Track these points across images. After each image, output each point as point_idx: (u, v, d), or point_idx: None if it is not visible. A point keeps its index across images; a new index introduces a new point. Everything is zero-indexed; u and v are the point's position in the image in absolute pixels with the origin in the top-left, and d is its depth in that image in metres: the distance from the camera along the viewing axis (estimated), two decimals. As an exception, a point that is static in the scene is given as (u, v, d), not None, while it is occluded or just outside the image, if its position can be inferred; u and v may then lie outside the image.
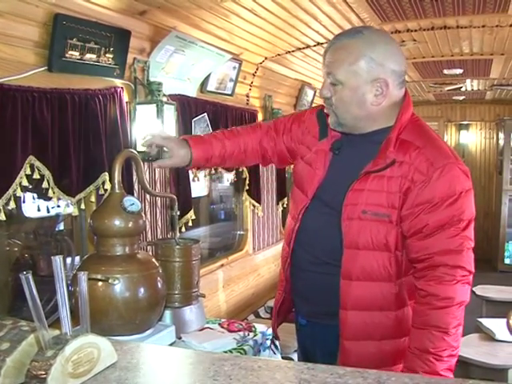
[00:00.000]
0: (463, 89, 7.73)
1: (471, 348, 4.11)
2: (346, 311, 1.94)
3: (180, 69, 3.63)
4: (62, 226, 4.04)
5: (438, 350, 1.79)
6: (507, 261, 8.96)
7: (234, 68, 4.35)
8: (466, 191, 1.84)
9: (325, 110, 2.01)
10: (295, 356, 4.09)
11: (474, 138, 9.83)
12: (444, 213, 1.81)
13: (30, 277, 1.26)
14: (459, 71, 6.11)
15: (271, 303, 5.18)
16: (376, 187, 1.87)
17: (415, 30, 4.23)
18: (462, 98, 8.97)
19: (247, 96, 5.01)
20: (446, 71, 6.12)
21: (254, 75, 4.91)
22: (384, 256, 1.89)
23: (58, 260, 1.32)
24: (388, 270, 1.90)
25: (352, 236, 1.90)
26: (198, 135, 2.37)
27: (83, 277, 1.37)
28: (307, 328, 2.19)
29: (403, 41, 4.57)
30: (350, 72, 1.85)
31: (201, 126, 3.95)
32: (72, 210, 2.84)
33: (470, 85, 7.40)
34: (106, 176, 2.91)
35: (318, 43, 4.50)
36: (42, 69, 2.61)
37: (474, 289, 5.59)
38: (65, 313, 1.35)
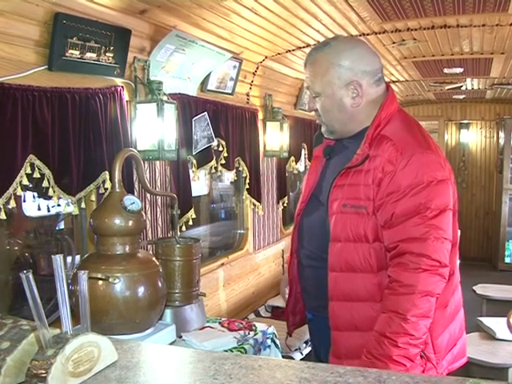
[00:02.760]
0: (463, 88, 7.72)
1: (471, 347, 4.11)
2: (334, 302, 2.01)
3: (180, 68, 3.63)
4: (62, 225, 4.04)
5: (394, 335, 1.81)
6: (507, 260, 8.97)
7: (235, 67, 4.34)
8: (437, 181, 1.88)
9: (317, 121, 2.16)
10: (295, 355, 4.10)
11: (474, 137, 9.83)
12: (410, 201, 1.86)
13: (31, 276, 1.26)
14: (459, 70, 6.11)
15: (272, 302, 5.20)
16: (354, 181, 1.96)
17: (415, 29, 4.23)
18: (462, 97, 8.97)
19: (247, 95, 5.01)
20: (446, 70, 6.12)
21: (254, 74, 4.91)
22: (364, 247, 1.95)
23: (58, 259, 1.32)
24: (368, 261, 1.95)
25: (335, 229, 1.99)
26: None
27: (83, 276, 1.36)
28: (313, 322, 2.29)
29: (403, 40, 4.57)
30: (324, 82, 2.02)
31: (201, 125, 3.95)
32: (72, 209, 2.83)
33: (471, 84, 7.40)
34: (106, 175, 2.91)
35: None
36: (43, 68, 2.61)
37: (474, 288, 5.59)
38: (65, 312, 1.35)
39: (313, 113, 2.16)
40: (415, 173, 1.87)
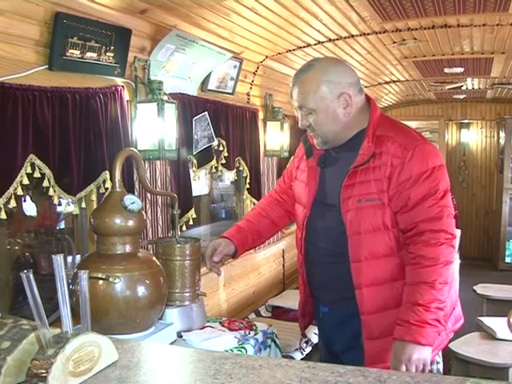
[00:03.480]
0: (464, 87, 7.73)
1: (472, 347, 4.11)
2: (362, 290, 2.22)
3: (181, 67, 3.63)
4: (62, 225, 4.04)
5: (426, 302, 2.07)
6: (508, 259, 8.97)
7: (235, 67, 4.34)
8: (438, 166, 2.17)
9: (311, 135, 2.39)
10: (296, 355, 4.09)
11: (474, 137, 9.83)
12: (422, 186, 2.14)
13: (31, 275, 1.26)
14: (460, 70, 6.11)
15: (272, 302, 5.19)
16: (364, 178, 2.20)
17: (416, 29, 4.23)
18: (462, 96, 8.97)
19: (248, 95, 5.01)
20: (446, 70, 6.12)
21: (254, 74, 4.91)
22: (384, 234, 2.20)
23: (58, 259, 1.32)
24: (389, 245, 2.20)
25: (353, 224, 2.21)
26: (238, 229, 2.68)
27: (84, 275, 1.37)
28: (329, 315, 2.44)
29: (404, 40, 4.57)
30: (316, 99, 2.23)
31: (201, 124, 3.95)
32: (73, 208, 2.84)
33: (471, 83, 7.40)
34: (106, 174, 2.91)
35: (319, 42, 4.50)
36: (43, 67, 2.61)
37: (474, 287, 5.59)
38: (65, 311, 1.35)
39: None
40: (421, 162, 2.15)
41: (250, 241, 2.66)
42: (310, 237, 2.38)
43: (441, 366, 3.59)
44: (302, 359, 3.99)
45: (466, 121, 9.79)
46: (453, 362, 4.11)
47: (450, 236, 2.14)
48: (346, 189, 2.22)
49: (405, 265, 2.18)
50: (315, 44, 4.54)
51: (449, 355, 4.06)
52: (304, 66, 2.33)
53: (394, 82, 7.06)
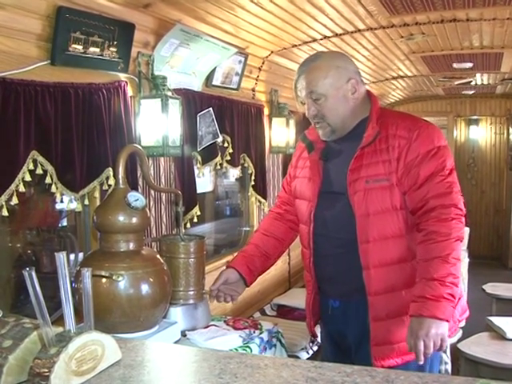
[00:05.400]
0: (473, 83, 7.70)
1: (481, 347, 4.10)
2: (369, 270, 2.25)
3: (185, 63, 3.63)
4: (65, 222, 4.05)
5: (441, 276, 2.09)
6: (518, 258, 8.93)
7: (240, 62, 4.34)
8: (443, 146, 2.26)
9: (316, 127, 2.42)
10: (302, 354, 4.09)
11: (483, 133, 9.80)
12: (430, 163, 2.21)
13: (34, 273, 1.26)
14: (469, 65, 6.09)
15: (277, 300, 5.19)
16: (371, 160, 2.26)
17: (424, 23, 4.21)
18: (471, 92, 8.93)
19: (253, 90, 5.00)
20: (455, 65, 6.10)
21: (259, 69, 4.91)
22: (393, 215, 2.24)
23: (61, 256, 1.32)
24: (398, 226, 2.25)
25: (361, 206, 2.25)
26: (244, 256, 2.66)
27: (87, 273, 1.37)
28: (340, 309, 2.44)
29: (412, 34, 4.55)
30: (326, 83, 2.30)
31: (206, 120, 3.95)
32: (75, 205, 2.84)
33: (480, 79, 7.38)
34: (109, 171, 2.91)
35: (325, 37, 4.49)
36: (45, 62, 2.61)
37: (483, 287, 5.57)
38: (68, 310, 1.35)
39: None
40: (427, 140, 2.23)
41: (259, 264, 2.64)
42: (319, 229, 2.40)
43: (449, 367, 3.58)
44: (308, 359, 3.99)
45: (475, 117, 9.76)
46: (461, 362, 4.10)
47: (460, 211, 2.18)
48: (352, 172, 2.27)
49: (414, 246, 2.22)
50: (321, 39, 4.53)
51: (457, 355, 4.05)
52: (310, 57, 2.42)
53: (401, 77, 7.04)
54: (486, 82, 7.71)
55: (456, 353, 4.03)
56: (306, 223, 2.45)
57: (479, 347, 4.09)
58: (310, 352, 4.21)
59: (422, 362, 2.07)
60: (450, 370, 3.66)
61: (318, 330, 2.67)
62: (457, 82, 7.53)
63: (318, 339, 2.79)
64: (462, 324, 2.68)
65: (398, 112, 2.60)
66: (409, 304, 2.16)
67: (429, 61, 5.88)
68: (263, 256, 2.65)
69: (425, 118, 2.46)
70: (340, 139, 2.40)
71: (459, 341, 4.16)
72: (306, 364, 1.41)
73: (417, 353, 2.07)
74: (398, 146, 2.23)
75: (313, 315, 2.57)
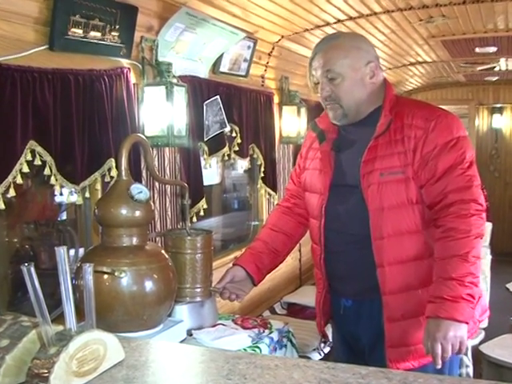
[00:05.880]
0: (497, 68, 7.65)
1: (505, 350, 4.07)
2: (383, 268, 2.24)
3: (191, 48, 3.63)
4: (64, 216, 4.06)
5: (460, 276, 2.07)
6: (541, 255, 8.88)
7: (249, 47, 4.33)
8: (462, 137, 2.23)
9: (327, 107, 2.38)
10: (313, 355, 4.10)
11: (508, 122, 9.75)
12: (448, 155, 2.18)
13: (33, 269, 1.27)
14: (493, 49, 6.05)
15: (288, 298, 5.19)
16: (386, 152, 2.24)
17: (445, 5, 4.19)
18: (495, 78, 8.88)
19: (262, 77, 5.00)
20: (478, 49, 6.06)
21: (269, 55, 4.90)
22: (408, 210, 2.23)
23: (61, 251, 1.32)
24: (414, 221, 2.23)
25: (375, 200, 2.23)
26: (251, 254, 2.67)
27: (89, 269, 1.37)
28: (353, 308, 2.43)
29: (431, 17, 4.53)
30: (345, 63, 2.28)
31: (213, 109, 3.95)
32: (76, 198, 2.84)
33: (505, 64, 7.32)
34: (112, 162, 2.92)
35: (339, 20, 4.47)
36: (43, 47, 2.61)
37: (507, 285, 5.56)
38: (69, 307, 1.35)
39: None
40: (445, 131, 2.20)
41: (268, 262, 2.64)
42: (331, 224, 2.38)
43: (470, 370, 3.57)
44: (320, 360, 3.99)
45: (498, 105, 9.70)
46: (484, 365, 4.08)
47: (480, 207, 2.16)
48: (366, 164, 2.26)
49: (432, 242, 2.21)
50: (335, 23, 4.51)
51: (479, 358, 4.04)
52: (329, 35, 2.45)
53: (419, 63, 7.00)
54: (510, 68, 7.65)
55: (478, 355, 4.01)
56: (317, 217, 2.44)
57: (503, 350, 4.07)
58: (323, 353, 4.21)
59: (439, 366, 2.06)
60: (471, 374, 3.65)
61: (329, 330, 2.67)
62: (479, 68, 7.49)
63: (329, 339, 2.79)
64: (484, 325, 2.68)
65: (414, 100, 2.59)
66: (425, 304, 2.15)
67: (449, 45, 5.84)
68: (272, 253, 2.64)
69: (444, 107, 2.45)
70: (353, 128, 2.39)
71: (481, 343, 4.15)
72: (318, 365, 1.41)
73: (434, 356, 2.06)
74: (415, 136, 2.21)
75: (323, 315, 2.56)
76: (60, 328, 1.37)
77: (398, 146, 2.23)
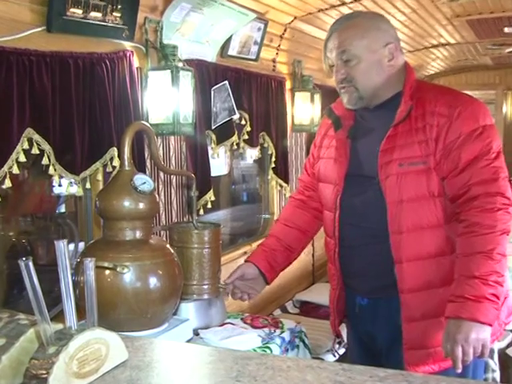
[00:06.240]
0: (527, 50, 7.60)
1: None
2: (402, 264, 2.23)
3: (198, 30, 3.62)
4: (63, 208, 4.07)
5: (484, 274, 2.05)
6: None
7: (259, 29, 4.32)
8: (489, 125, 2.20)
9: (342, 92, 2.38)
10: (327, 357, 4.10)
11: (538, 109, 9.68)
12: (473, 145, 2.16)
13: (31, 263, 1.26)
14: (523, 29, 6.01)
15: (300, 296, 5.20)
16: (406, 141, 2.22)
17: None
18: (525, 61, 8.82)
19: (274, 61, 4.98)
20: (507, 29, 6.01)
21: (281, 37, 4.88)
22: (429, 203, 2.21)
23: (61, 245, 1.32)
24: (435, 215, 2.21)
25: (393, 192, 2.22)
26: (264, 251, 2.68)
27: (90, 263, 1.37)
28: (368, 307, 2.42)
29: (455, -5, 4.50)
30: (363, 44, 2.27)
31: (221, 95, 3.94)
32: (76, 189, 2.85)
33: (537, 45, 7.27)
34: (114, 151, 2.92)
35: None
36: (40, 29, 2.60)
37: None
38: (69, 304, 1.36)
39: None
40: (471, 119, 2.18)
41: (281, 259, 2.66)
42: (346, 216, 2.37)
43: (497, 375, 3.55)
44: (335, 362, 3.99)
45: (528, 90, 9.64)
46: (512, 370, 4.06)
47: (507, 201, 2.13)
48: (384, 153, 2.24)
49: (454, 237, 2.19)
50: (351, 2, 4.49)
51: (507, 363, 4.02)
52: (347, 14, 2.45)
53: (442, 45, 6.96)
54: (541, 50, 7.60)
55: (505, 359, 3.99)
56: (331, 210, 2.43)
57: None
58: (337, 355, 4.21)
59: (459, 371, 2.03)
60: (498, 379, 3.63)
61: (343, 330, 2.67)
62: (508, 50, 7.43)
63: (344, 340, 2.79)
64: (511, 327, 2.66)
65: (437, 86, 2.57)
66: (446, 303, 2.13)
67: (475, 25, 5.80)
68: (285, 250, 2.65)
69: (469, 93, 2.44)
70: (371, 114, 2.38)
71: (508, 346, 4.13)
72: (333, 366, 1.41)
73: (454, 360, 2.04)
74: (437, 124, 2.19)
75: (337, 313, 2.56)
76: (59, 326, 1.37)
77: (418, 134, 2.20)
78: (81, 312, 1.44)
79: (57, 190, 3.84)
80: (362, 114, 2.41)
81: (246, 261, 2.65)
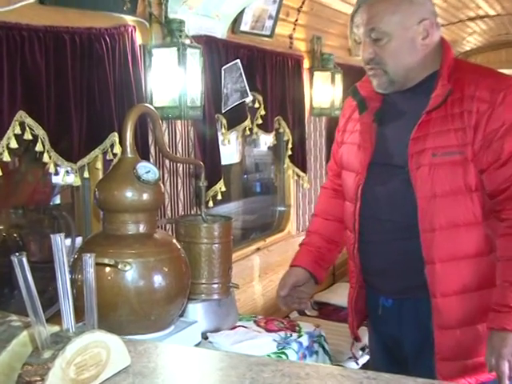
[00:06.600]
0: None
1: None
2: (434, 265, 2.19)
3: (207, 3, 3.62)
4: (58, 200, 4.07)
5: None
6: None
7: (274, 2, 4.31)
8: None
9: (370, 74, 2.32)
10: (349, 364, 4.09)
11: None
12: None
13: (25, 259, 1.26)
14: None
15: (319, 297, 5.20)
16: (440, 128, 2.17)
17: None
18: None
19: (290, 38, 4.98)
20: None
21: (299, 11, 4.87)
22: (466, 198, 2.17)
23: (58, 239, 1.32)
24: (473, 211, 2.18)
25: (425, 185, 2.18)
26: (309, 251, 2.65)
27: (90, 259, 1.37)
28: (394, 309, 2.39)
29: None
30: (394, 20, 2.19)
31: (232, 75, 3.94)
32: (73, 179, 2.86)
33: None
34: (115, 137, 2.93)
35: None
36: (33, 0, 2.60)
37: None
38: (67, 305, 1.35)
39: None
40: None
41: (328, 256, 2.64)
42: (368, 209, 2.34)
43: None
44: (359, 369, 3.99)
45: None
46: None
47: None
48: (415, 141, 2.20)
49: (494, 236, 2.17)
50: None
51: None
52: None
53: (480, 17, 6.92)
54: None
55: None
56: (352, 200, 2.41)
57: None
58: (361, 362, 4.21)
59: None
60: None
61: (364, 334, 2.66)
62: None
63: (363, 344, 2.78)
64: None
65: (478, 66, 2.50)
66: (484, 309, 2.12)
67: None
68: (330, 245, 2.64)
69: (510, 72, 2.40)
70: (401, 96, 2.32)
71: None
72: (356, 374, 1.40)
73: (500, 376, 2.02)
74: (477, 111, 2.12)
75: (355, 314, 2.54)
76: (56, 329, 1.37)
77: (455, 121, 2.15)
78: (78, 313, 1.44)
79: (52, 180, 3.84)
80: (391, 96, 2.35)
81: (292, 266, 2.62)
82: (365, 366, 4.17)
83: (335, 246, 2.65)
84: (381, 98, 2.38)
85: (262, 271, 4.60)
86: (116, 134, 2.92)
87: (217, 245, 2.87)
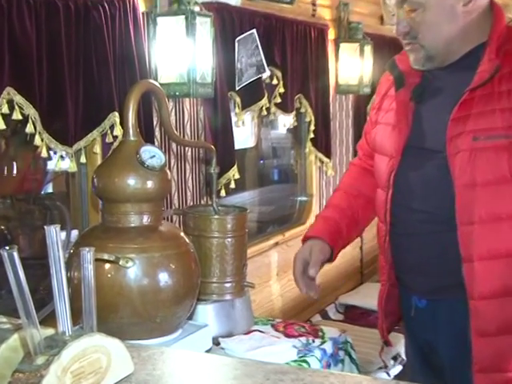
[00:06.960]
0: None
1: None
2: (472, 263, 2.15)
3: (218, -35, 3.62)
4: (50, 188, 4.08)
5: None
6: None
7: (295, -37, 4.31)
8: None
9: (406, 49, 2.30)
10: (380, 375, 4.10)
11: None
12: None
13: (16, 254, 1.26)
14: None
15: (345, 299, 5.20)
16: (484, 108, 2.12)
17: None
18: None
19: (313, 4, 4.96)
20: None
21: (323, -27, 4.87)
22: (511, 188, 2.12)
23: (53, 231, 1.32)
24: None
25: (464, 172, 2.14)
26: (326, 220, 2.66)
27: (88, 255, 1.37)
28: (428, 310, 2.37)
29: None
30: None
31: (247, 48, 3.94)
32: (68, 164, 2.86)
33: None
34: (115, 117, 2.94)
35: None
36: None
37: None
38: (62, 305, 1.36)
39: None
40: None
41: (346, 233, 2.62)
42: (400, 197, 2.33)
43: None
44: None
45: None
46: None
47: None
48: (455, 123, 2.15)
49: None
50: None
51: None
52: None
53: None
54: None
55: None
56: (384, 188, 2.39)
57: None
58: (392, 373, 4.21)
59: None
60: None
61: (398, 340, 2.66)
62: None
63: (403, 355, 2.78)
64: None
65: None
66: None
67: None
68: (351, 221, 2.63)
69: None
70: (442, 72, 2.28)
71: None
72: (388, 385, 1.41)
73: None
74: None
75: (386, 315, 2.53)
76: (50, 332, 1.38)
77: (502, 100, 2.09)
78: (75, 315, 1.45)
79: (44, 166, 3.85)
80: (431, 72, 2.31)
81: (310, 236, 2.61)
82: (397, 378, 4.19)
83: (356, 223, 2.65)
84: (420, 74, 2.34)
85: (280, 269, 4.61)
86: (116, 113, 2.93)
87: (230, 239, 2.87)
